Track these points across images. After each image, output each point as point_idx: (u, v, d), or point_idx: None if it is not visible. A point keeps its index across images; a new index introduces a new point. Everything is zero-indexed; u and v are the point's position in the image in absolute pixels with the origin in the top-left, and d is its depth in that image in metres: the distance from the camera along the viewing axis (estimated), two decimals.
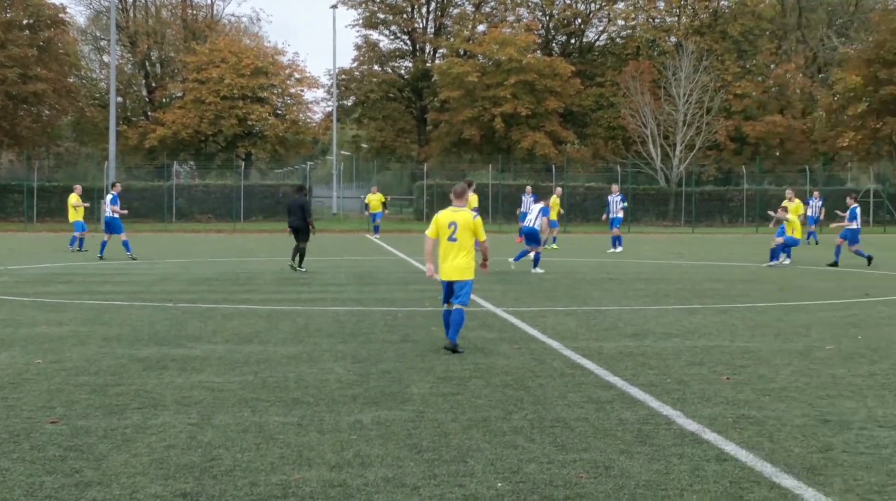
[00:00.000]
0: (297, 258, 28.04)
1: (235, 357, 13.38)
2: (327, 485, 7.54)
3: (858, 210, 32.22)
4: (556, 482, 7.62)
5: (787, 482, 7.62)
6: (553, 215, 39.48)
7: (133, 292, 22.24)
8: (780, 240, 31.07)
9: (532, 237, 28.54)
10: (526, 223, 29.14)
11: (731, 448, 8.65)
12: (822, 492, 7.35)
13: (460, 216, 14.15)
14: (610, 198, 41.92)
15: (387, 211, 55.13)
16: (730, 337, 15.58)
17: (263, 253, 38.33)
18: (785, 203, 32.71)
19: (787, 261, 31.79)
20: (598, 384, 11.61)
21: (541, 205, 28.76)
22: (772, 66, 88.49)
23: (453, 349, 13.76)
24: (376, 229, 54.77)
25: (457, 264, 14.06)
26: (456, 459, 8.27)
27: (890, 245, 46.08)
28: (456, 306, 14.00)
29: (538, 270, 28.32)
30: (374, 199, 55.28)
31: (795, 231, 31.14)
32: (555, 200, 41.00)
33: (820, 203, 46.82)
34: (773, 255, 31.48)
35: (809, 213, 45.63)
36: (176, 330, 16.08)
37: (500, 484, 7.54)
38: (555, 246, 40.97)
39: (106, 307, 19.25)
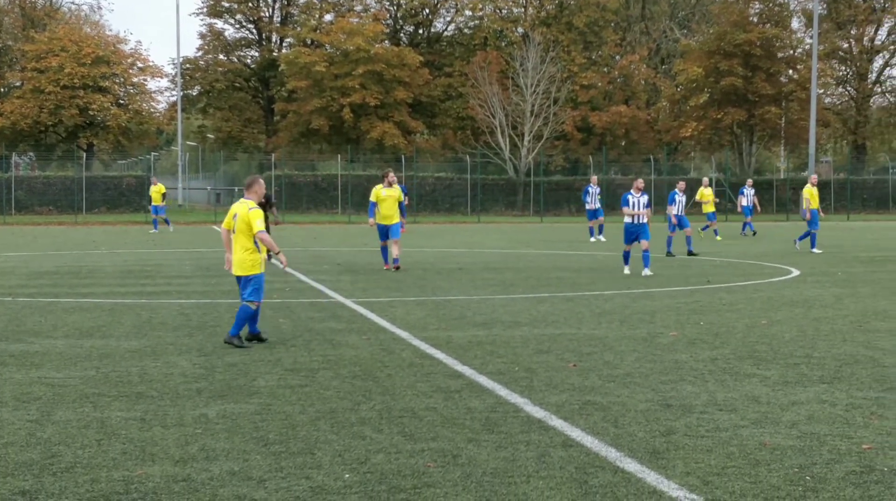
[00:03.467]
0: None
1: (76, 352, 13.06)
2: (171, 480, 7.40)
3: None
4: (404, 471, 7.60)
5: (631, 466, 7.73)
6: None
7: None
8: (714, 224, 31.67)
9: None
10: None
11: (576, 433, 8.74)
12: (664, 475, 7.46)
13: (241, 208, 13.75)
14: (589, 188, 41.64)
15: (164, 202, 50.10)
16: (576, 325, 15.77)
17: (106, 246, 37.54)
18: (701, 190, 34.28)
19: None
20: (447, 373, 11.63)
21: None
22: (616, 57, 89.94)
23: (231, 343, 13.46)
24: (159, 223, 50.35)
25: (237, 259, 13.70)
26: (303, 451, 8.19)
27: (731, 233, 47.23)
28: (243, 303, 13.66)
29: None
30: (155, 191, 50.21)
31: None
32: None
33: (753, 192, 46.26)
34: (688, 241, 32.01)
35: (744, 203, 45.47)
36: (15, 325, 15.65)
37: (347, 475, 7.49)
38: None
39: None
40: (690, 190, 44.53)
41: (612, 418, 9.33)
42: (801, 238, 34.13)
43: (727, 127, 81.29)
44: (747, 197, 45.55)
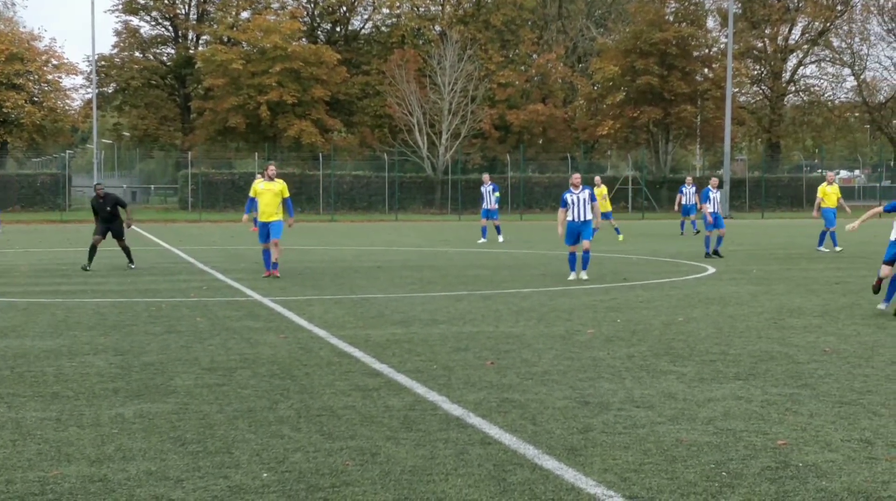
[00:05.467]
0: (128, 256, 26.31)
1: None
2: (87, 480, 7.30)
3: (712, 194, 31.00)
4: (323, 470, 7.56)
5: (549, 463, 7.76)
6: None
7: None
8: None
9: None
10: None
11: (495, 431, 8.75)
12: (582, 472, 7.50)
13: None
14: (483, 188, 39.90)
15: None
16: (495, 322, 15.81)
17: (20, 244, 36.96)
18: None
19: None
20: (365, 371, 11.60)
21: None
22: (534, 55, 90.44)
23: None
24: None
25: None
26: (221, 450, 8.12)
27: (646, 231, 47.68)
28: None
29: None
30: None
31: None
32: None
33: (693, 190, 44.72)
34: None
35: (684, 201, 44.51)
36: None
37: (265, 475, 7.44)
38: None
39: None
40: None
41: (530, 415, 9.36)
42: (821, 243, 33.37)
43: (643, 125, 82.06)
44: (686, 195, 44.51)
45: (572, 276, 23.06)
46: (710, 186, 30.99)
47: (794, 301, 18.77)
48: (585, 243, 23.10)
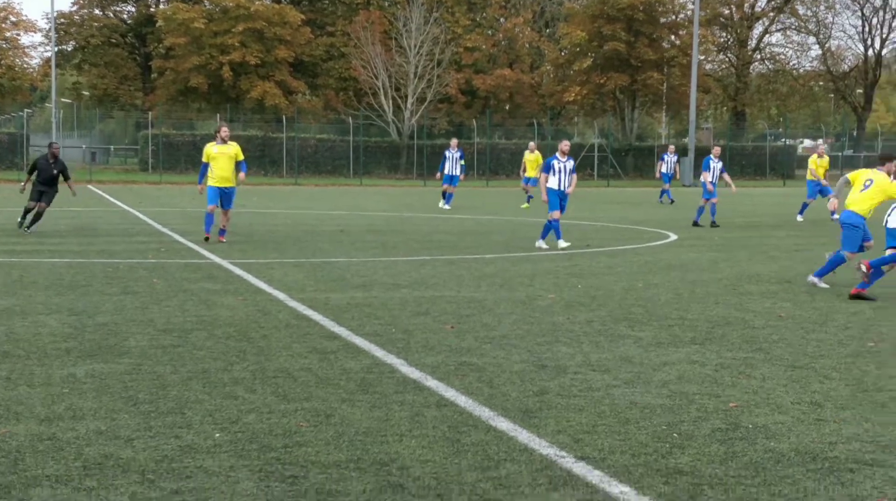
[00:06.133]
0: (32, 218, 25.42)
1: None
2: (36, 438, 7.23)
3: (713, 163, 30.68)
4: (276, 431, 7.52)
5: (503, 424, 7.75)
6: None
7: None
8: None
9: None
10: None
11: (451, 393, 8.74)
12: (536, 434, 7.50)
13: None
14: (448, 152, 39.16)
15: None
16: (456, 287, 15.79)
17: None
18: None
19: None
20: (323, 334, 11.56)
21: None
22: (501, 19, 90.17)
23: None
24: None
25: None
26: (173, 410, 8.06)
27: (612, 198, 47.76)
28: None
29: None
30: None
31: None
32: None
33: (675, 159, 44.84)
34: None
35: (664, 170, 44.24)
36: None
37: (217, 435, 7.40)
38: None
39: None
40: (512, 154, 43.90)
41: (487, 378, 9.36)
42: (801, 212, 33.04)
43: (610, 92, 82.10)
44: (668, 164, 44.36)
45: (562, 243, 22.31)
46: (711, 155, 30.83)
47: (754, 268, 18.86)
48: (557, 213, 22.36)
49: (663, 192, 44.63)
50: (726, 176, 30.82)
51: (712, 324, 12.49)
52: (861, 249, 15.99)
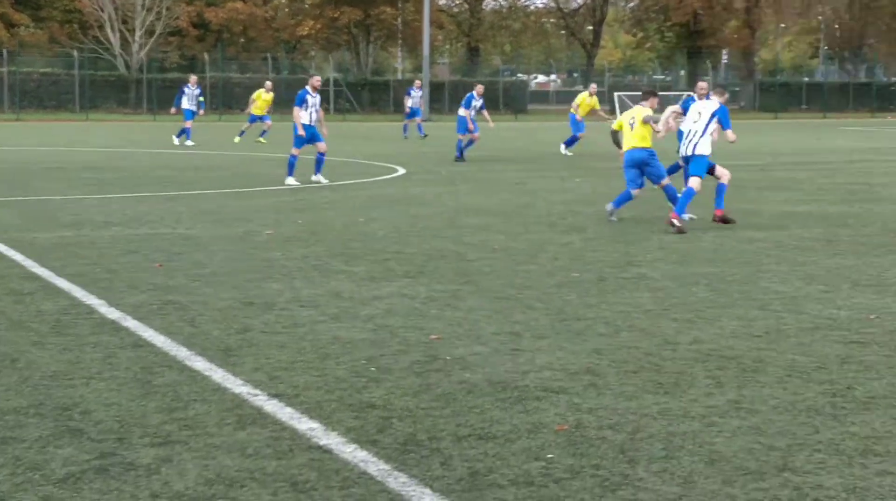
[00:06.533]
0: None
1: None
2: None
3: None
4: None
5: (199, 364, 7.57)
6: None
7: None
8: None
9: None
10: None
11: (149, 334, 8.49)
12: (232, 372, 7.35)
13: None
14: (186, 88, 37.62)
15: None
16: (173, 224, 15.44)
17: None
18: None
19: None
20: (22, 275, 11.08)
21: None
22: None
23: None
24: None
25: None
26: None
27: (347, 133, 47.52)
28: None
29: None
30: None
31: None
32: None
33: (420, 94, 44.29)
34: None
35: (410, 104, 43.79)
36: None
37: None
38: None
39: None
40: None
41: (190, 317, 9.14)
42: (567, 143, 33.27)
43: (344, 26, 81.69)
44: (414, 99, 44.14)
45: (292, 181, 22.05)
46: (474, 93, 31.25)
47: (475, 201, 19.13)
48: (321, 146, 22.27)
49: (406, 127, 44.36)
50: (485, 113, 31.23)
51: (427, 257, 12.57)
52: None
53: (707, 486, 5.33)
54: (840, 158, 31.04)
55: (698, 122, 15.56)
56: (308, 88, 21.89)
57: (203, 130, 45.51)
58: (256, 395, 6.83)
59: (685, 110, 16.33)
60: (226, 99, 74.30)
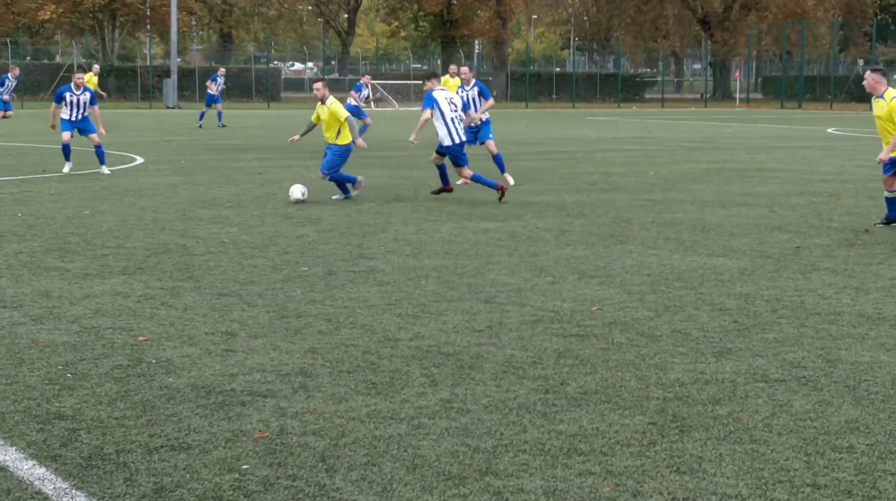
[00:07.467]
0: None
1: None
2: None
3: None
4: None
5: None
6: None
7: None
8: None
9: None
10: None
11: None
12: None
13: None
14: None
15: None
16: None
17: None
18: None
19: None
20: None
21: None
22: None
23: None
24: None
25: None
26: None
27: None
28: None
29: None
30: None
31: None
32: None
33: (223, 80, 42.42)
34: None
35: (213, 91, 41.31)
36: None
37: None
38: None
39: None
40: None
41: None
42: None
43: (88, 11, 79.03)
44: (219, 86, 42.02)
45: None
46: (363, 82, 33.36)
47: (212, 192, 18.57)
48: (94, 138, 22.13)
49: (203, 114, 41.79)
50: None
51: (150, 252, 12.03)
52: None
53: (405, 494, 5.10)
54: (584, 148, 31.63)
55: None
56: (71, 85, 21.99)
57: None
58: None
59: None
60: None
